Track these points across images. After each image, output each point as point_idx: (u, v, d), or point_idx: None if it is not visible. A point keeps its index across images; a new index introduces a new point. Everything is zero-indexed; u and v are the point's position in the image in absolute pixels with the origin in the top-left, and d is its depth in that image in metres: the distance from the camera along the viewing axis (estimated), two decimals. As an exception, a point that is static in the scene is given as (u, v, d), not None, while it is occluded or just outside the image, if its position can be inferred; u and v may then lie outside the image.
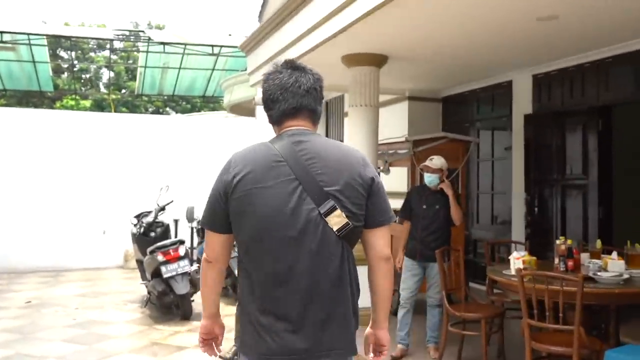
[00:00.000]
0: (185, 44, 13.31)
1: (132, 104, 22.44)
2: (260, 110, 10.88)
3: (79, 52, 24.71)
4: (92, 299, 8.15)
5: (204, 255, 2.11)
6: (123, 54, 23.93)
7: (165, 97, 20.20)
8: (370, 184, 1.95)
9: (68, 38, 14.04)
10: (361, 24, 4.81)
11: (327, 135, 12.11)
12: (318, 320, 1.91)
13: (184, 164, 11.39)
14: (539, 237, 6.57)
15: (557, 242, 4.34)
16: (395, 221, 2.80)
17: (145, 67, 15.41)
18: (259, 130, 10.53)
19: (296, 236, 1.89)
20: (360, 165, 1.96)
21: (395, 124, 8.29)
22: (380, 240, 2.01)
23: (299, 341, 1.89)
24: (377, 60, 6.15)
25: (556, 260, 4.32)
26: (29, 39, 12.81)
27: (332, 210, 1.88)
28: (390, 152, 6.96)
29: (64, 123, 11.21)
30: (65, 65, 23.77)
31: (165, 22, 27.14)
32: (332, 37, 5.22)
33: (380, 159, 6.62)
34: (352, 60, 6.14)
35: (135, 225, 7.85)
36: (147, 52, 13.92)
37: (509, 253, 6.80)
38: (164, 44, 12.97)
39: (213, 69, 15.59)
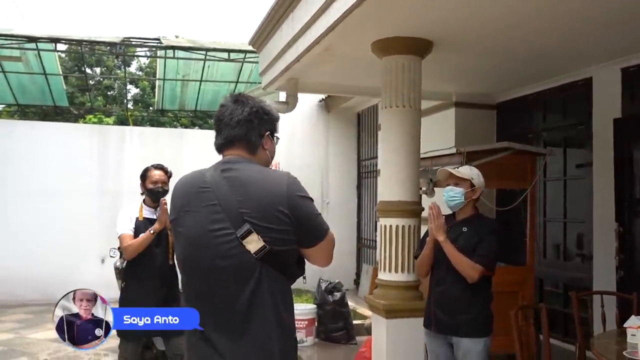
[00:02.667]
0: (205, 49, 12.11)
1: (157, 121, 21.34)
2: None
3: (104, 68, 23.83)
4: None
5: None
6: (148, 69, 22.98)
7: (191, 114, 19.12)
8: (294, 209, 1.93)
9: (72, 42, 13.01)
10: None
11: (358, 153, 10.70)
12: (233, 337, 1.93)
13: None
14: (634, 282, 4.92)
15: None
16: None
17: (164, 79, 14.28)
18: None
19: (212, 260, 1.93)
20: (284, 192, 1.94)
21: (438, 137, 6.69)
22: (319, 255, 2.06)
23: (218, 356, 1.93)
24: (419, 48, 4.65)
25: None
26: (37, 47, 11.83)
27: (248, 233, 1.88)
28: (435, 168, 5.41)
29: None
30: (92, 82, 22.97)
31: (190, 37, 26.28)
32: (356, 5, 3.74)
33: (422, 178, 5.08)
34: (385, 47, 4.65)
35: (120, 257, 6.44)
36: (165, 57, 12.78)
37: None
38: (175, 48, 11.80)
39: (237, 81, 14.38)
